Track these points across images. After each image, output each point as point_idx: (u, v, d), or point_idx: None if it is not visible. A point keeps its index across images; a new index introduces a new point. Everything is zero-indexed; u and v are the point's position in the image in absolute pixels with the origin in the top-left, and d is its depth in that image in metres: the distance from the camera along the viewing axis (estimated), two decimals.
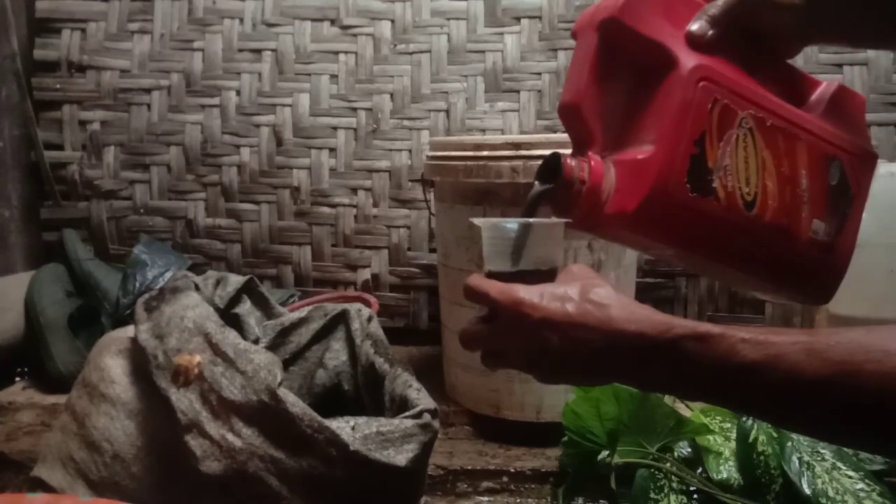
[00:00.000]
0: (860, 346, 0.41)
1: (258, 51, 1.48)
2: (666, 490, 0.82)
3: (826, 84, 0.60)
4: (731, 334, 0.45)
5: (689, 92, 0.51)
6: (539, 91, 1.43)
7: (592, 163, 0.53)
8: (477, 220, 0.58)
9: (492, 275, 0.56)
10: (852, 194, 0.58)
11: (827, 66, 1.36)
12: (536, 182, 0.57)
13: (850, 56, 1.36)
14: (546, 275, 0.55)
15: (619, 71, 0.54)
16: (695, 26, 0.53)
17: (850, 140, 0.58)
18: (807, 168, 0.56)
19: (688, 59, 0.51)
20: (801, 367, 0.42)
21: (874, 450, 0.53)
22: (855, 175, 0.59)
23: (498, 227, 0.56)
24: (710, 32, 0.53)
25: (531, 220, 0.54)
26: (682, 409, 1.01)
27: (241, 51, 1.48)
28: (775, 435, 0.82)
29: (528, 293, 0.51)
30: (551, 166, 0.55)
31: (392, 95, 1.46)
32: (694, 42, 0.53)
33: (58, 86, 1.48)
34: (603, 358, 0.49)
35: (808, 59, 1.36)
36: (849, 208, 0.58)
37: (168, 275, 1.30)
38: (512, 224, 0.55)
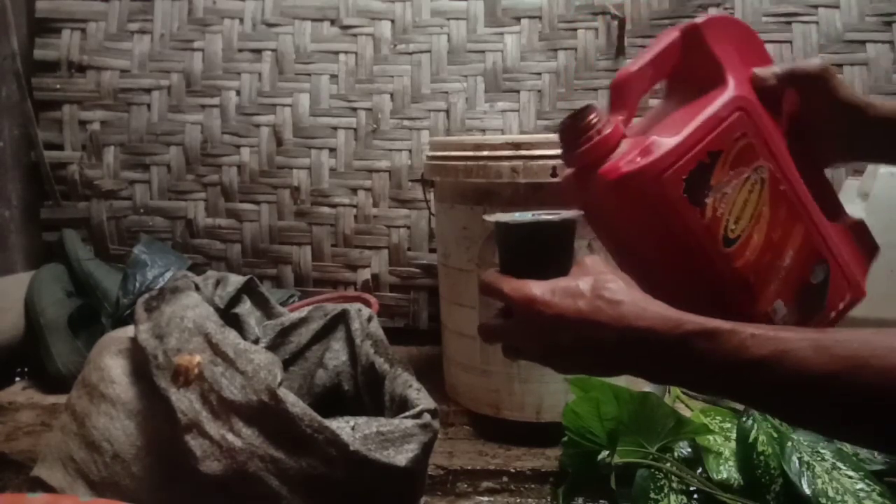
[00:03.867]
0: (867, 343, 0.42)
1: (258, 51, 1.48)
2: (666, 490, 0.82)
3: (852, 215, 0.62)
4: (740, 330, 0.45)
5: (724, 111, 0.54)
6: (539, 91, 1.43)
7: (616, 125, 0.56)
8: (490, 217, 0.58)
9: (506, 270, 0.57)
10: (825, 304, 0.58)
11: None
12: (559, 126, 0.60)
13: (851, 56, 1.36)
14: (559, 269, 0.55)
15: (683, 74, 0.58)
16: (760, 70, 0.57)
17: (848, 262, 0.59)
18: (795, 250, 0.56)
19: (737, 87, 0.55)
20: (809, 361, 0.43)
21: (879, 446, 0.54)
22: (836, 291, 0.58)
23: (511, 223, 0.57)
24: (772, 81, 0.57)
25: (545, 216, 0.56)
26: (683, 409, 1.01)
27: (241, 51, 1.48)
28: (775, 435, 0.82)
29: (540, 290, 0.52)
30: (580, 112, 0.58)
31: (392, 95, 1.46)
32: (754, 83, 0.57)
33: (58, 86, 1.48)
34: (615, 353, 0.50)
35: (807, 58, 1.36)
36: (815, 313, 0.58)
37: (168, 275, 1.30)
38: (526, 220, 0.56)
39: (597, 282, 0.51)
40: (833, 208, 0.60)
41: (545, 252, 0.56)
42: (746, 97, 0.55)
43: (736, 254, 0.54)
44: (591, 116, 0.56)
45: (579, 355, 0.52)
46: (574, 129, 0.57)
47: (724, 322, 0.46)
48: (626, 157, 0.53)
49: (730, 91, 0.54)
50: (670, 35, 0.57)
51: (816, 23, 1.37)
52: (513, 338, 0.57)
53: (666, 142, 0.52)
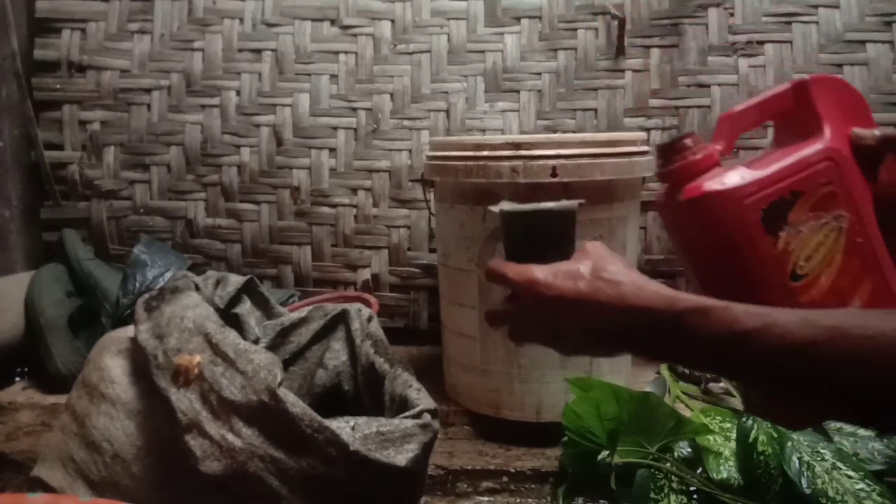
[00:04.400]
0: (851, 315, 0.44)
1: (258, 51, 1.48)
2: (666, 490, 0.82)
3: None
4: (733, 307, 0.47)
5: (814, 157, 0.60)
6: (539, 91, 1.43)
7: (711, 152, 0.62)
8: (495, 207, 0.62)
9: (510, 257, 0.60)
10: None
11: (827, 67, 1.36)
12: (657, 146, 0.66)
13: (851, 56, 1.36)
14: (561, 254, 0.58)
15: (785, 122, 0.66)
16: (860, 130, 0.61)
17: None
18: (863, 303, 0.60)
19: (831, 140, 0.61)
20: (793, 332, 0.45)
21: (857, 417, 0.54)
22: None
23: (515, 212, 0.61)
24: (869, 141, 0.60)
25: (546, 204, 0.60)
26: (683, 409, 1.01)
27: (241, 51, 1.48)
28: (775, 435, 0.82)
29: (542, 273, 0.55)
30: (680, 137, 0.64)
31: (392, 95, 1.46)
32: (852, 140, 0.61)
33: (58, 86, 1.48)
34: (615, 332, 0.53)
35: (807, 58, 1.37)
36: None
37: (168, 275, 1.30)
38: (529, 208, 0.60)
39: (597, 264, 0.54)
40: None
41: (547, 238, 0.60)
42: (839, 150, 0.60)
43: (801, 289, 0.58)
44: (688, 140, 0.62)
45: (581, 335, 0.54)
46: (671, 148, 0.63)
47: (718, 301, 0.48)
48: (711, 180, 0.59)
49: (824, 141, 0.61)
50: (782, 87, 0.65)
51: (816, 23, 1.37)
52: (517, 321, 0.59)
53: (752, 173, 0.59)
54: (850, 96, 0.65)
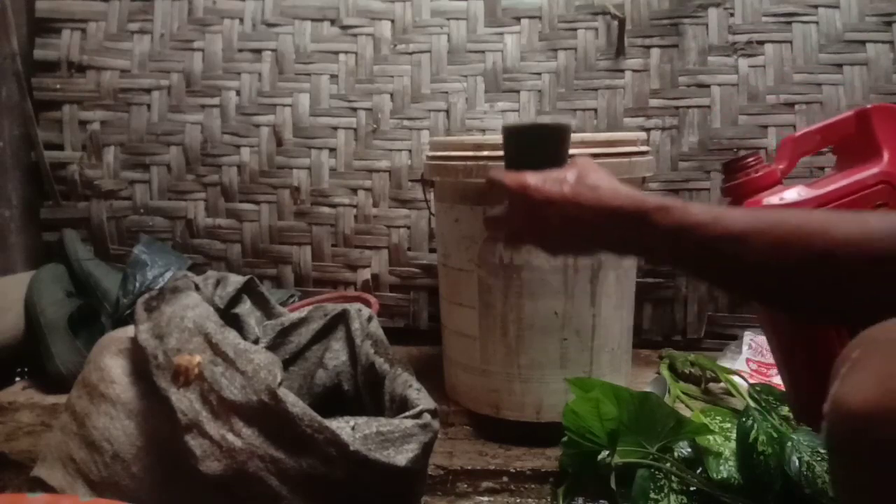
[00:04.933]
0: (794, 211, 0.54)
1: (258, 51, 1.48)
2: (666, 490, 0.82)
3: None
4: (690, 204, 0.54)
5: (870, 179, 0.64)
6: (539, 91, 1.43)
7: (773, 171, 0.68)
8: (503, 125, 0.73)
9: (510, 167, 0.68)
10: None
11: (827, 67, 1.36)
12: (723, 165, 0.76)
13: (851, 56, 1.36)
14: (553, 165, 0.66)
15: (847, 147, 0.70)
16: None
17: None
18: None
19: (889, 165, 0.65)
20: (737, 221, 0.52)
21: (779, 300, 0.58)
22: None
23: (516, 126, 0.73)
24: None
25: (543, 118, 0.70)
26: (683, 409, 1.01)
27: (241, 51, 1.48)
28: (775, 435, 0.82)
29: (533, 179, 0.62)
30: (744, 156, 0.71)
31: (392, 95, 1.46)
32: None
33: (58, 86, 1.48)
34: (592, 229, 0.60)
35: (807, 58, 1.37)
36: None
37: (168, 275, 1.30)
38: (527, 123, 0.76)
39: (581, 172, 0.62)
40: None
41: (541, 150, 0.68)
42: (894, 173, 0.65)
43: None
44: (751, 159, 0.68)
45: (564, 232, 0.62)
46: (734, 166, 0.69)
47: (681, 201, 0.55)
48: (771, 195, 0.65)
49: (881, 165, 0.65)
50: (845, 114, 0.70)
51: (816, 23, 1.37)
52: (511, 221, 0.67)
53: (809, 191, 0.64)
54: None
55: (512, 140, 0.70)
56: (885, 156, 0.65)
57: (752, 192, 0.67)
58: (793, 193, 0.64)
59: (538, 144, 0.68)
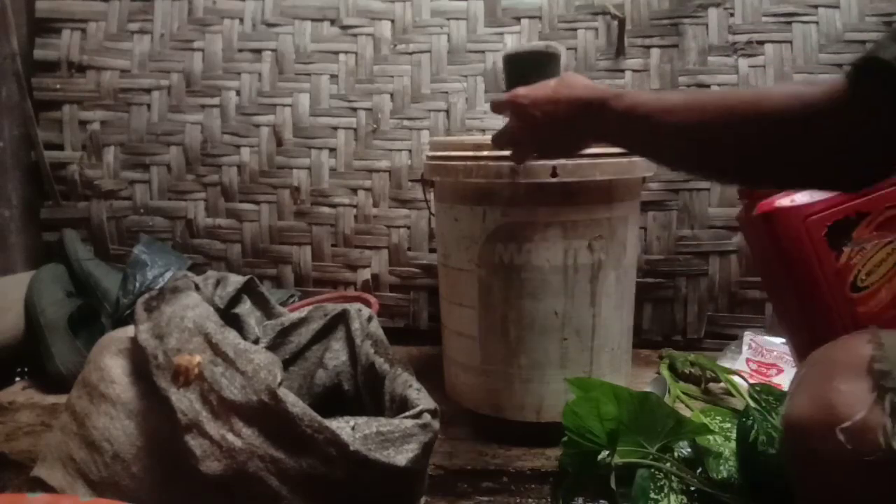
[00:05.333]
0: (729, 89, 0.56)
1: (258, 51, 1.48)
2: (666, 490, 0.82)
3: None
4: (643, 91, 0.64)
5: (884, 183, 0.62)
6: None
7: None
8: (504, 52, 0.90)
9: (510, 89, 0.79)
10: None
11: (827, 67, 1.36)
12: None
13: (851, 56, 1.35)
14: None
15: None
16: None
17: None
18: None
19: None
20: (673, 96, 0.64)
21: (714, 173, 0.69)
22: None
23: (514, 53, 0.91)
24: None
25: (538, 44, 0.84)
26: (683, 409, 1.01)
27: (241, 51, 1.48)
28: (775, 435, 0.82)
29: (524, 90, 0.75)
30: None
31: (392, 95, 1.46)
32: None
33: (58, 86, 1.48)
34: (568, 120, 0.72)
35: (808, 58, 1.37)
36: None
37: (168, 275, 1.30)
38: (524, 49, 0.91)
39: (563, 79, 0.75)
40: None
41: (535, 72, 0.80)
42: None
43: (861, 300, 0.65)
44: None
45: (547, 128, 0.74)
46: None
47: (637, 91, 0.64)
48: (784, 197, 0.67)
49: None
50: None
51: (816, 23, 1.37)
52: (512, 133, 0.80)
53: (822, 195, 0.65)
54: None
55: (512, 65, 0.86)
56: None
57: (768, 193, 0.69)
58: (805, 196, 0.66)
59: (531, 66, 0.82)
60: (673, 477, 0.84)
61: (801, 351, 0.81)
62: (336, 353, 0.86)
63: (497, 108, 0.82)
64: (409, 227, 1.47)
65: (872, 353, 0.48)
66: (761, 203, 0.69)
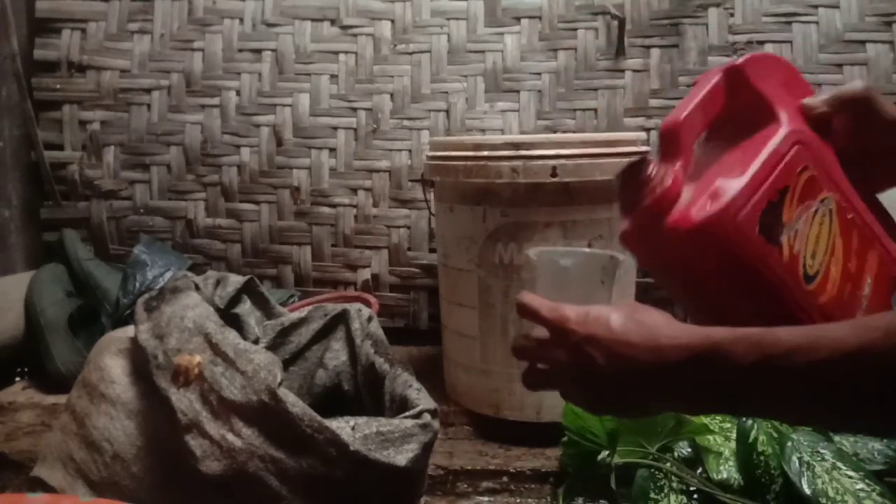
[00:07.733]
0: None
1: (258, 51, 1.48)
2: (666, 490, 0.82)
3: None
4: (772, 329, 0.44)
5: (783, 146, 0.53)
6: (539, 91, 1.43)
7: (675, 174, 0.54)
8: (532, 253, 0.60)
9: (546, 296, 0.57)
10: None
11: (827, 66, 1.36)
12: (615, 179, 0.58)
13: (851, 56, 1.36)
14: (598, 302, 0.55)
15: (726, 115, 0.57)
16: (809, 100, 0.57)
17: None
18: (873, 277, 0.56)
19: (790, 121, 0.55)
20: (846, 337, 0.41)
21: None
22: None
23: (552, 262, 0.61)
24: (821, 109, 0.56)
25: (584, 250, 0.58)
26: None
27: (241, 51, 1.48)
28: (775, 435, 0.82)
29: (574, 311, 0.52)
30: (636, 164, 0.56)
31: (392, 95, 1.46)
32: (804, 113, 0.56)
33: (58, 86, 1.48)
34: (648, 373, 0.48)
35: (808, 59, 1.37)
36: None
37: (168, 275, 1.30)
38: (566, 259, 0.59)
39: (631, 308, 0.51)
40: (891, 229, 0.59)
41: (582, 288, 0.58)
42: (801, 129, 0.55)
43: (818, 290, 0.53)
44: (650, 169, 0.54)
45: (611, 379, 0.50)
46: (634, 184, 0.55)
47: (752, 328, 0.44)
48: (694, 205, 0.52)
49: (784, 126, 0.54)
50: (712, 77, 0.56)
51: (816, 23, 1.37)
52: (544, 357, 0.56)
53: (732, 184, 0.51)
54: (782, 69, 0.58)
55: (548, 271, 0.61)
56: (782, 113, 0.55)
57: (667, 207, 0.53)
58: (715, 195, 0.52)
59: (578, 281, 0.59)
60: (673, 477, 0.84)
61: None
62: (336, 353, 0.86)
63: (527, 316, 0.55)
64: (409, 227, 1.47)
65: None
66: (671, 220, 0.53)
